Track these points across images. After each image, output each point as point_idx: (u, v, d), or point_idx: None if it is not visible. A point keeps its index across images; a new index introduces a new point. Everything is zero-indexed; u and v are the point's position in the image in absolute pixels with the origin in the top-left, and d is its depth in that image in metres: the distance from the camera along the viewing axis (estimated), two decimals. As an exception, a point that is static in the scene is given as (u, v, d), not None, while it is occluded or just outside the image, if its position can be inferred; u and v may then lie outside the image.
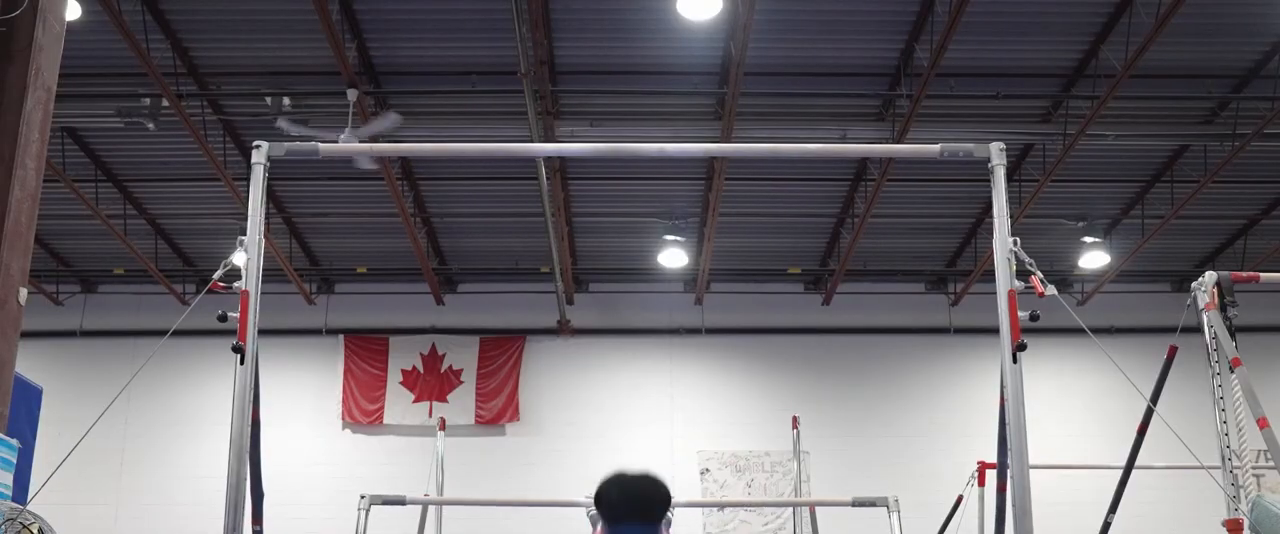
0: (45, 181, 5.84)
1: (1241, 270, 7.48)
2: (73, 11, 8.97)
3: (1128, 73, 10.12)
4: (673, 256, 14.86)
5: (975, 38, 10.32)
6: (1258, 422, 5.30)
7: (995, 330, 4.73)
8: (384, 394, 15.66)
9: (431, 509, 10.53)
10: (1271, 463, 5.31)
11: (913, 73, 10.77)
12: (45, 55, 5.65)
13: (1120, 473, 6.77)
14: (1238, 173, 12.51)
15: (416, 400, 15.61)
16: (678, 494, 14.59)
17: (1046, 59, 11.08)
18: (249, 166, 5.04)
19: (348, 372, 15.76)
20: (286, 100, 10.86)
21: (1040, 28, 10.51)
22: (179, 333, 5.69)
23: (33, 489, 6.21)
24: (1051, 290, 4.71)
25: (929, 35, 10.20)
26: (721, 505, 15.00)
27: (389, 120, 10.67)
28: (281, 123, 10.60)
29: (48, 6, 5.68)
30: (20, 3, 5.46)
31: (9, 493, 5.41)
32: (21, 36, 5.53)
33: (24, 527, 4.85)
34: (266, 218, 5.13)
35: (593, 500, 3.81)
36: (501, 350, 15.87)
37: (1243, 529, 5.23)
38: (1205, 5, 9.90)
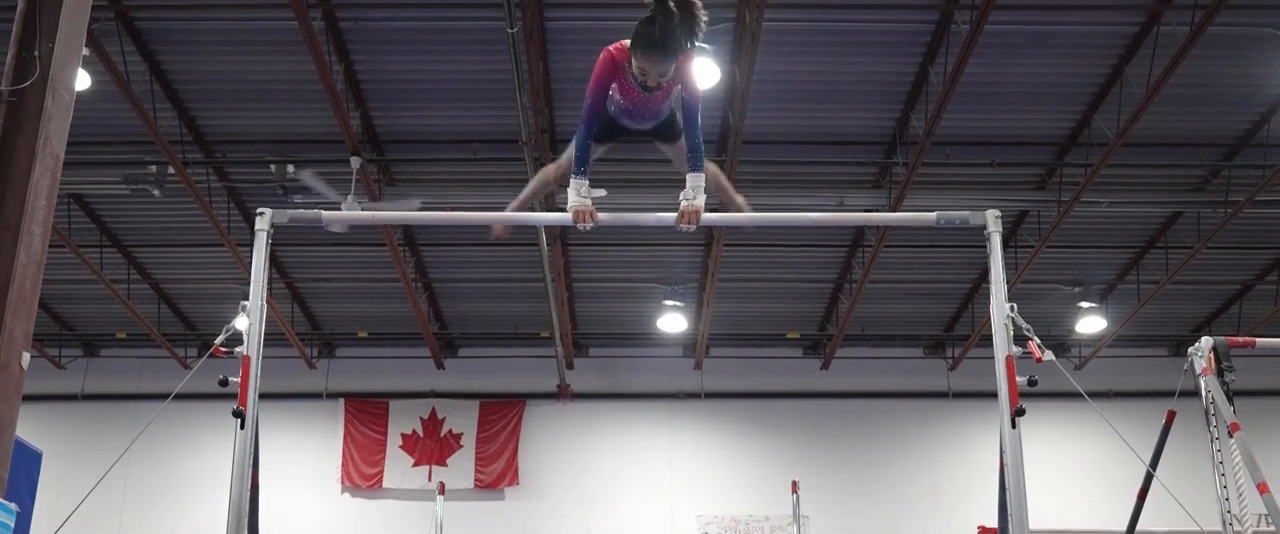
0: (50, 246, 5.90)
1: (1238, 335, 7.51)
2: (83, 81, 9.10)
3: (1120, 141, 10.23)
4: (672, 321, 14.89)
5: (970, 107, 10.45)
6: (1258, 486, 5.31)
7: (994, 395, 4.76)
8: (384, 458, 15.60)
9: (429, 576, 10.47)
10: (1272, 527, 5.30)
11: (908, 141, 10.89)
12: (54, 124, 5.73)
13: (1121, 538, 6.74)
14: (1231, 239, 12.60)
15: (416, 464, 15.55)
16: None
17: (1040, 128, 11.20)
18: (252, 232, 5.10)
19: (348, 435, 15.72)
20: (291, 168, 10.95)
21: (1034, 98, 10.64)
22: (180, 397, 5.70)
23: (31, 554, 6.19)
24: (1049, 356, 4.75)
25: (924, 104, 10.33)
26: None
27: (410, 204, 10.83)
28: (304, 178, 10.70)
29: (58, 76, 5.77)
30: (31, 73, 5.56)
31: (8, 558, 5.40)
32: (31, 106, 5.61)
33: (22, 592, 4.83)
34: (269, 282, 5.17)
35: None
36: (501, 414, 15.83)
37: (1242, 595, 5.21)
38: (1195, 76, 10.03)
